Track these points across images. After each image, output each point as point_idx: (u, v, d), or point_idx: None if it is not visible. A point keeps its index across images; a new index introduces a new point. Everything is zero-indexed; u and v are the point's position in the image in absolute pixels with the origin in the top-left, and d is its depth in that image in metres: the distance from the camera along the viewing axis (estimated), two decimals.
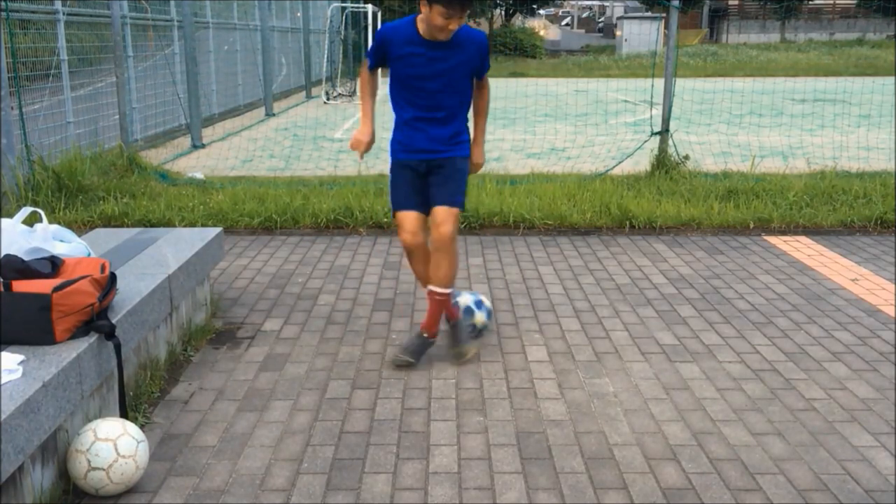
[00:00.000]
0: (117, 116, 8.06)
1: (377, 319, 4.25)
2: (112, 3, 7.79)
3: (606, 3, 67.68)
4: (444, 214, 3.54)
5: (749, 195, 6.73)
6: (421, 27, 3.47)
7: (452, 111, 3.61)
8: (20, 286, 2.63)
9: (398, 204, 3.67)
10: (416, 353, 3.66)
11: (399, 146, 3.69)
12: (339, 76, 18.88)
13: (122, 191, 6.71)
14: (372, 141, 3.70)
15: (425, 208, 3.62)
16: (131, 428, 2.64)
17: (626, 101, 17.33)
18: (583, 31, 68.41)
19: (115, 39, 7.84)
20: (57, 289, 2.62)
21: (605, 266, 5.25)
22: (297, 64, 20.18)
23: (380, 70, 3.75)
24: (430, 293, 3.65)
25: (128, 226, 5.93)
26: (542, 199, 6.50)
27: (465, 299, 3.91)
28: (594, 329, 4.12)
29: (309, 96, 18.92)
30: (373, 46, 3.62)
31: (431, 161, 3.61)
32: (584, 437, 3.00)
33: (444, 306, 3.67)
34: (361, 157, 3.75)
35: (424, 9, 3.36)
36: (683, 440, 2.99)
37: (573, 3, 74.29)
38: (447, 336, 3.77)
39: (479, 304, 3.93)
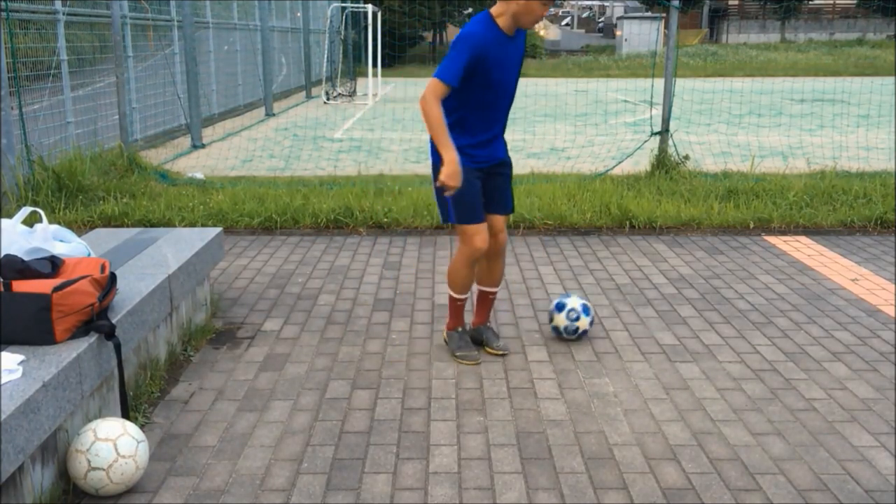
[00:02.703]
0: (117, 116, 8.06)
1: (377, 319, 4.25)
2: (112, 3, 7.79)
3: (606, 3, 67.71)
4: (502, 223, 3.71)
5: (749, 195, 6.73)
6: (502, 23, 3.36)
7: (510, 108, 3.61)
8: (20, 286, 2.63)
9: (474, 217, 3.54)
10: (477, 345, 3.84)
11: (465, 158, 3.40)
12: (338, 76, 18.89)
13: (122, 191, 6.71)
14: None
15: None
16: (131, 428, 2.64)
17: (626, 101, 17.34)
18: (583, 31, 68.42)
19: (115, 39, 7.84)
20: (57, 289, 2.62)
21: (605, 266, 5.25)
22: (297, 64, 20.19)
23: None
24: (487, 294, 3.83)
25: (128, 226, 5.93)
26: (542, 199, 6.51)
27: (573, 303, 3.92)
28: (594, 329, 4.12)
29: (309, 96, 18.94)
30: (461, 60, 3.27)
31: (494, 166, 3.62)
32: (584, 437, 3.00)
33: (493, 302, 3.90)
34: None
35: (519, 0, 3.27)
36: (683, 440, 2.99)
37: (573, 3, 74.31)
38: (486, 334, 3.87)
39: (586, 309, 3.94)
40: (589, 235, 6.05)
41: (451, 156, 3.29)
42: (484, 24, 3.35)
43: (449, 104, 3.36)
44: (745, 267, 5.24)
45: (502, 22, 3.36)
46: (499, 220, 3.69)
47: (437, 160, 3.42)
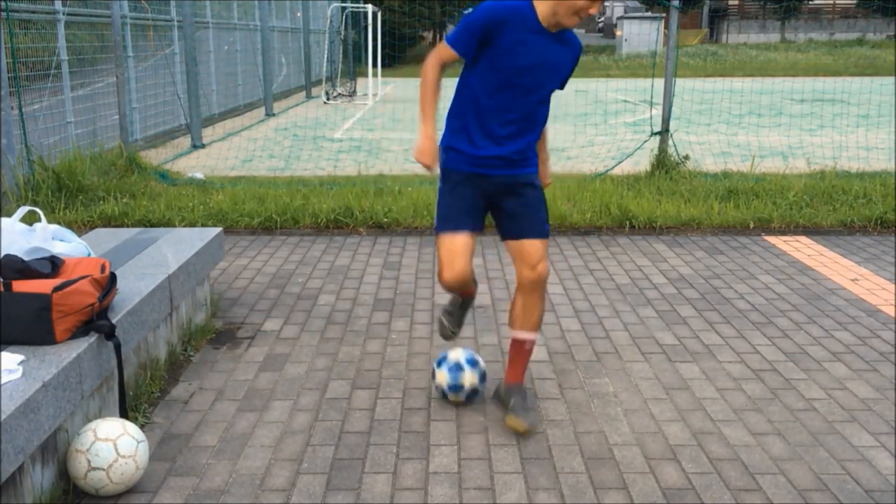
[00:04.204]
0: (117, 116, 8.06)
1: (377, 319, 4.25)
2: (112, 3, 7.79)
3: (606, 3, 67.65)
4: (539, 250, 3.03)
5: (749, 195, 6.73)
6: (541, 10, 2.86)
7: (531, 119, 3.02)
8: (20, 286, 2.62)
9: (448, 221, 3.05)
10: (528, 406, 3.10)
11: (458, 156, 3.03)
12: (338, 76, 18.89)
13: (122, 191, 6.71)
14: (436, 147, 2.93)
15: (479, 229, 3.11)
16: (131, 428, 2.64)
17: (626, 101, 17.33)
18: (583, 31, 68.43)
19: (115, 39, 7.84)
20: (57, 289, 2.62)
21: (605, 266, 5.25)
22: (297, 64, 20.20)
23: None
24: (522, 343, 3.12)
25: (128, 226, 5.93)
26: None
27: (455, 355, 3.24)
28: (594, 329, 4.12)
29: (309, 96, 18.94)
30: (474, 26, 2.86)
31: (499, 178, 3.03)
32: (584, 437, 3.00)
33: (530, 354, 3.17)
34: (432, 169, 2.94)
35: None
36: (683, 440, 2.99)
37: None
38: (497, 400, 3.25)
39: (471, 362, 3.22)
40: (589, 235, 6.05)
41: (427, 130, 2.88)
42: (519, 2, 2.89)
43: (459, 93, 3.02)
44: (745, 267, 5.24)
45: (542, 9, 2.86)
46: (529, 245, 3.04)
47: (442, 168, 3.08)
